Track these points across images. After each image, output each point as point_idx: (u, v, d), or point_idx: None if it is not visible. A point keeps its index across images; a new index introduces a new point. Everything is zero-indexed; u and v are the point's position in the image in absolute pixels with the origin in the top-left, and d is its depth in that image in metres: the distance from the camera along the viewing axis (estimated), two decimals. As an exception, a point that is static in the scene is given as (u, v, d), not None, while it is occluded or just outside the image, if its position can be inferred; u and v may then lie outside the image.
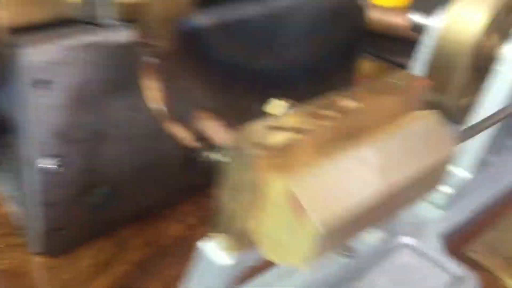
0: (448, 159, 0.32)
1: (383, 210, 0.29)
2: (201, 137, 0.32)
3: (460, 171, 0.49)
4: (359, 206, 0.27)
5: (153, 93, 0.34)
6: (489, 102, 0.48)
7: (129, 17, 0.32)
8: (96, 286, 0.42)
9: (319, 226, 0.25)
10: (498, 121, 0.43)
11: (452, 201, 0.49)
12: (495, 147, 0.52)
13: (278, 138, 0.26)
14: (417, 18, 0.53)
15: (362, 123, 0.30)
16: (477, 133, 0.40)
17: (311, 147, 0.28)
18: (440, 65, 0.49)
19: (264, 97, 0.30)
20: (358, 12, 0.57)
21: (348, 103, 0.30)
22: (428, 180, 0.32)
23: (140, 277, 0.43)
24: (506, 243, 0.48)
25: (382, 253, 0.43)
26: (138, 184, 0.45)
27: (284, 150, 0.26)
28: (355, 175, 0.28)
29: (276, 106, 0.33)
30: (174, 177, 0.47)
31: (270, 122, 0.27)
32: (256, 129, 0.27)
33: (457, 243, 0.48)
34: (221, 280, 0.29)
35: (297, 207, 0.25)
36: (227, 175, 0.27)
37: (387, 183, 0.28)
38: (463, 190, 0.49)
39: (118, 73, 0.38)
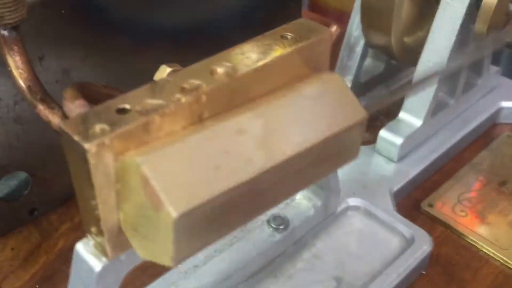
0: (355, 128, 0.27)
1: (272, 192, 0.25)
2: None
3: (409, 118, 0.45)
4: (231, 189, 0.22)
5: (19, 71, 0.29)
6: (438, 39, 0.43)
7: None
8: (19, 277, 0.39)
9: (174, 213, 0.21)
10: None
11: (403, 153, 0.44)
12: (455, 90, 0.47)
13: (130, 119, 0.22)
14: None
15: (244, 90, 0.25)
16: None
17: (174, 124, 0.23)
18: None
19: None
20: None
21: (226, 67, 0.25)
22: (333, 151, 0.27)
23: (65, 265, 0.40)
24: (464, 193, 0.44)
25: (327, 220, 0.39)
26: (56, 165, 0.41)
27: (137, 133, 0.22)
28: (229, 151, 0.23)
29: (161, 73, 0.29)
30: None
31: (121, 102, 0.23)
32: (103, 110, 0.22)
33: (411, 198, 0.44)
34: (96, 284, 0.25)
35: (151, 192, 0.21)
36: (72, 166, 0.23)
37: (274, 157, 0.24)
38: (415, 139, 0.45)
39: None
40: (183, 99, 0.23)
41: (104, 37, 0.40)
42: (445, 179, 0.45)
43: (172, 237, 0.21)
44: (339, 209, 0.40)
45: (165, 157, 0.22)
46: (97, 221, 0.23)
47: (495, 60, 0.52)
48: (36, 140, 0.39)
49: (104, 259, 0.25)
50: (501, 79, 0.53)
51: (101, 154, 0.22)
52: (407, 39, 0.47)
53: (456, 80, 0.47)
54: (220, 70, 0.25)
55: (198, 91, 0.24)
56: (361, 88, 0.50)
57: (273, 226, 0.36)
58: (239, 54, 0.26)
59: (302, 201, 0.38)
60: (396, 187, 0.43)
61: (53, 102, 0.30)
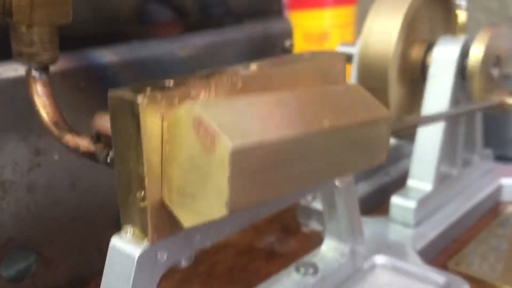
0: (383, 124, 0.28)
1: (309, 162, 0.25)
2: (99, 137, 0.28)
3: (419, 183, 0.45)
4: (279, 141, 0.22)
5: (46, 111, 0.30)
6: (432, 109, 0.46)
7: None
8: None
9: (230, 143, 0.20)
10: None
11: (419, 218, 0.44)
12: (455, 162, 0.48)
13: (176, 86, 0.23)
14: (343, 48, 0.52)
15: (274, 82, 0.27)
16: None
17: (220, 91, 0.24)
18: (370, 85, 0.47)
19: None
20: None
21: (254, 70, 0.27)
22: (362, 142, 0.28)
23: None
24: (488, 253, 0.43)
25: (355, 275, 0.37)
26: (64, 246, 0.39)
27: (185, 91, 0.23)
28: (273, 112, 0.24)
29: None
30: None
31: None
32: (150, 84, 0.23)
33: (435, 258, 0.42)
34: (135, 272, 0.23)
35: (205, 132, 0.21)
36: (119, 136, 0.23)
37: (309, 128, 0.24)
38: (428, 204, 0.45)
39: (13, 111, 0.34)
40: (224, 78, 0.24)
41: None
42: (468, 240, 0.44)
43: (228, 173, 0.20)
44: (366, 265, 0.38)
45: (217, 104, 0.22)
46: (141, 190, 0.22)
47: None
48: (46, 215, 0.38)
49: (144, 243, 0.23)
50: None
51: (152, 109, 0.22)
52: (404, 116, 0.49)
53: (453, 152, 0.48)
54: (253, 66, 0.26)
55: (236, 76, 0.25)
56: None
57: (302, 272, 0.34)
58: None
59: (329, 252, 0.36)
60: (418, 247, 0.41)
61: (80, 133, 0.30)
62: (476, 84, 0.45)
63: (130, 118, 0.22)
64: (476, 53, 0.45)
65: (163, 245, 0.24)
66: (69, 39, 0.34)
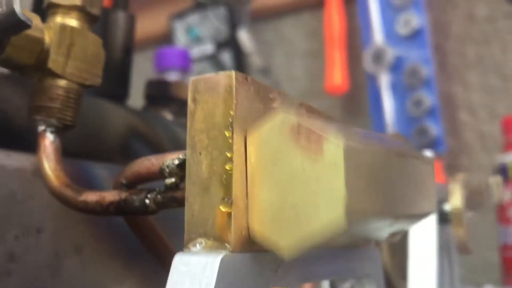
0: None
1: (403, 187, 0.23)
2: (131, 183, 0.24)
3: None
4: (380, 150, 0.21)
5: (56, 173, 0.26)
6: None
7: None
8: None
9: (341, 142, 0.18)
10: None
11: None
12: None
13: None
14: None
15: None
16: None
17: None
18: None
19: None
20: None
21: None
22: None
23: None
24: None
25: None
26: None
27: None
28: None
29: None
30: None
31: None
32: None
33: None
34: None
35: (307, 139, 0.19)
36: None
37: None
38: None
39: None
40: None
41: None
42: None
43: (343, 175, 0.18)
44: None
45: (307, 119, 0.20)
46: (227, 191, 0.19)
47: None
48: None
49: (225, 250, 0.19)
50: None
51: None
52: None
53: None
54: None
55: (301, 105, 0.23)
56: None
57: None
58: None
59: None
60: None
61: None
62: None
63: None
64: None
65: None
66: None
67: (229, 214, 0.19)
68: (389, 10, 0.90)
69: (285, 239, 0.18)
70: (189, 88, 0.20)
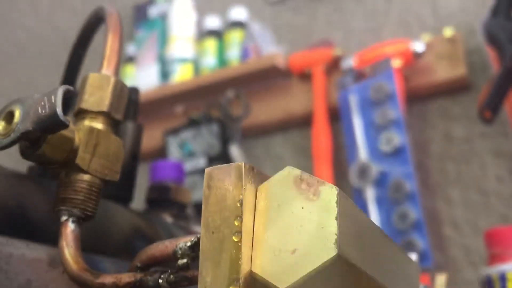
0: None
1: (383, 266, 0.26)
2: (146, 266, 0.27)
3: None
4: (364, 217, 0.24)
5: (75, 259, 0.28)
6: None
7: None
8: None
9: (336, 189, 0.22)
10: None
11: None
12: None
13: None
14: None
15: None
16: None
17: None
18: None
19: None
20: None
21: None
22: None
23: None
24: None
25: None
26: None
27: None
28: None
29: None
30: None
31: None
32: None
33: None
34: None
35: (306, 183, 0.23)
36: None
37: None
38: None
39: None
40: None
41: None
42: None
43: (335, 213, 0.21)
44: None
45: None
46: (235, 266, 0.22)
47: None
48: None
49: None
50: None
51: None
52: None
53: None
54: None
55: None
56: None
57: None
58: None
59: None
60: None
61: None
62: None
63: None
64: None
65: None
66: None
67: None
68: (372, 129, 0.96)
69: (279, 276, 0.22)
70: (204, 177, 0.24)
